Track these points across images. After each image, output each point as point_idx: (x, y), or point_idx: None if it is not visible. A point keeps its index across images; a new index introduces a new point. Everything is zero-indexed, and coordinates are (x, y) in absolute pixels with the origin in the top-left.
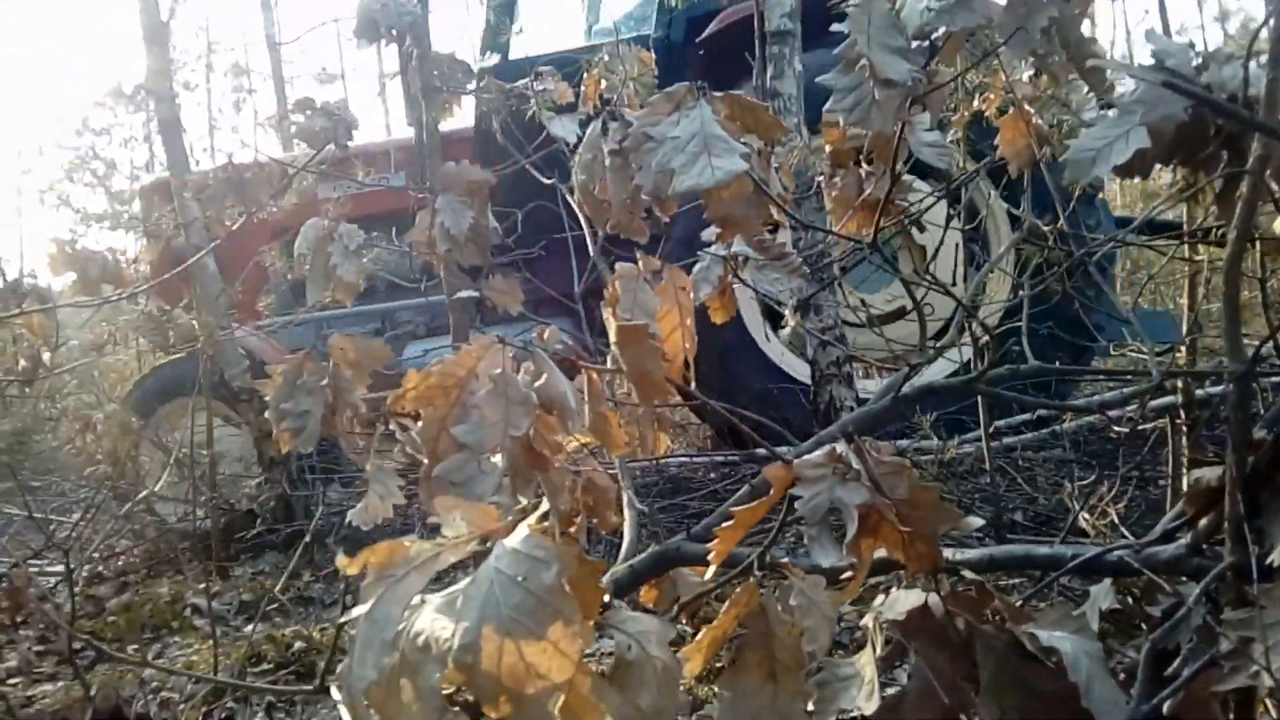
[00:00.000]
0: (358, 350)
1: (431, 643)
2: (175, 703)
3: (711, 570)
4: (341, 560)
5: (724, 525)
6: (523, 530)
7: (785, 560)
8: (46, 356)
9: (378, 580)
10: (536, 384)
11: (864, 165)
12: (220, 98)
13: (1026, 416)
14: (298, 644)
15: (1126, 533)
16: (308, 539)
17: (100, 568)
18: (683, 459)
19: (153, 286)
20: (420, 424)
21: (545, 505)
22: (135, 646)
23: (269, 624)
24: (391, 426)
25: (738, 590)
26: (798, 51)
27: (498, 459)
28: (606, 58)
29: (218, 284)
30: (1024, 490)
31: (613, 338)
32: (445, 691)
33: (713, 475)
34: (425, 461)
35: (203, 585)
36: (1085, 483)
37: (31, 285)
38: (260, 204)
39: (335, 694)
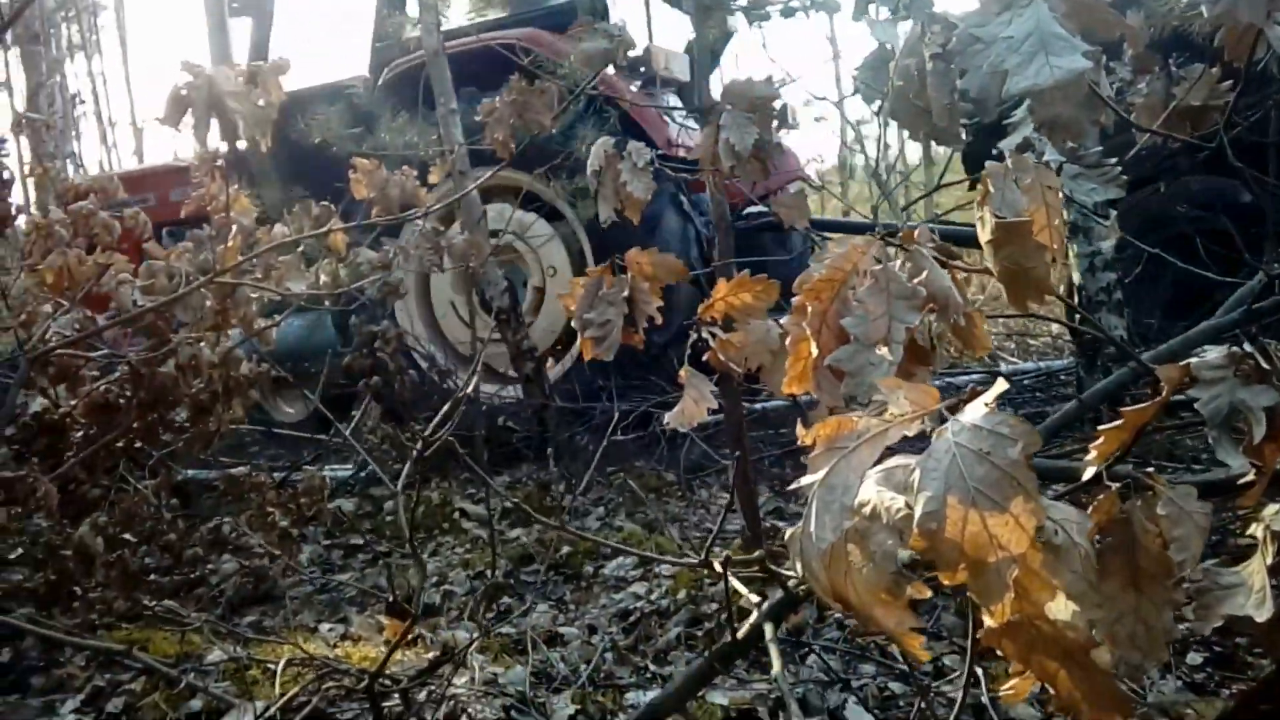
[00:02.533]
0: (654, 264)
1: (881, 511)
2: (457, 595)
3: (1089, 473)
4: (800, 430)
5: (1110, 426)
6: (980, 407)
7: (1149, 470)
8: (344, 272)
9: (826, 452)
10: (916, 280)
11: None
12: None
13: None
14: (565, 548)
15: None
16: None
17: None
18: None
19: (435, 209)
20: (807, 315)
21: (999, 385)
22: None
23: (527, 529)
24: (704, 334)
25: (1098, 499)
26: None
27: (883, 351)
28: None
29: (479, 207)
30: None
31: (984, 236)
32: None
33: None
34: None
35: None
36: None
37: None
38: (542, 126)
39: (716, 566)
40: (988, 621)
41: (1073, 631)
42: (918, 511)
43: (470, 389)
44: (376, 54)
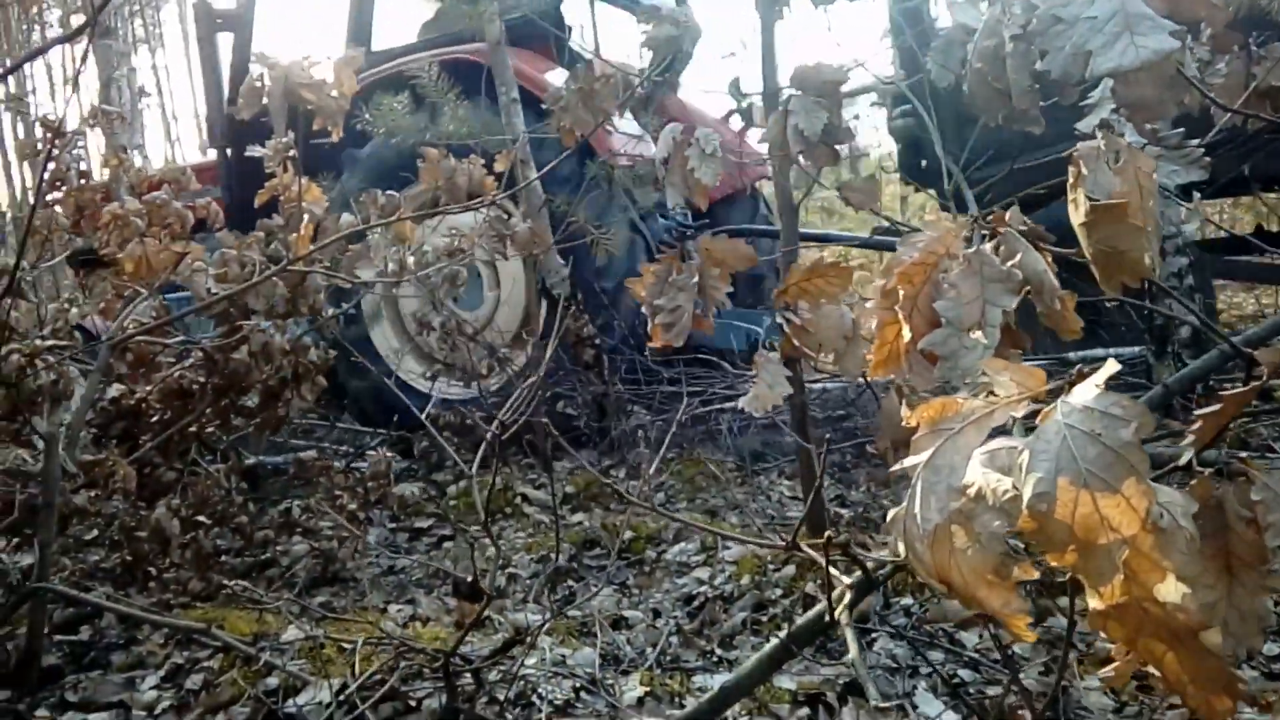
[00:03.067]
0: (724, 250)
1: (987, 493)
2: (521, 579)
3: (1186, 457)
4: (905, 412)
5: (1207, 410)
6: (1091, 389)
7: (1242, 456)
8: (410, 260)
9: (931, 434)
10: (1010, 263)
11: None
12: None
13: None
14: (628, 533)
15: None
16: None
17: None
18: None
19: (497, 197)
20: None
21: (1111, 366)
22: (476, 527)
23: (587, 513)
24: (779, 319)
25: (1190, 485)
26: None
27: (977, 335)
28: None
29: (540, 197)
30: None
31: (1078, 219)
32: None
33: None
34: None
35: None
36: None
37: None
38: (608, 114)
39: (805, 547)
40: (1093, 605)
41: (1182, 613)
42: (1027, 493)
43: (540, 374)
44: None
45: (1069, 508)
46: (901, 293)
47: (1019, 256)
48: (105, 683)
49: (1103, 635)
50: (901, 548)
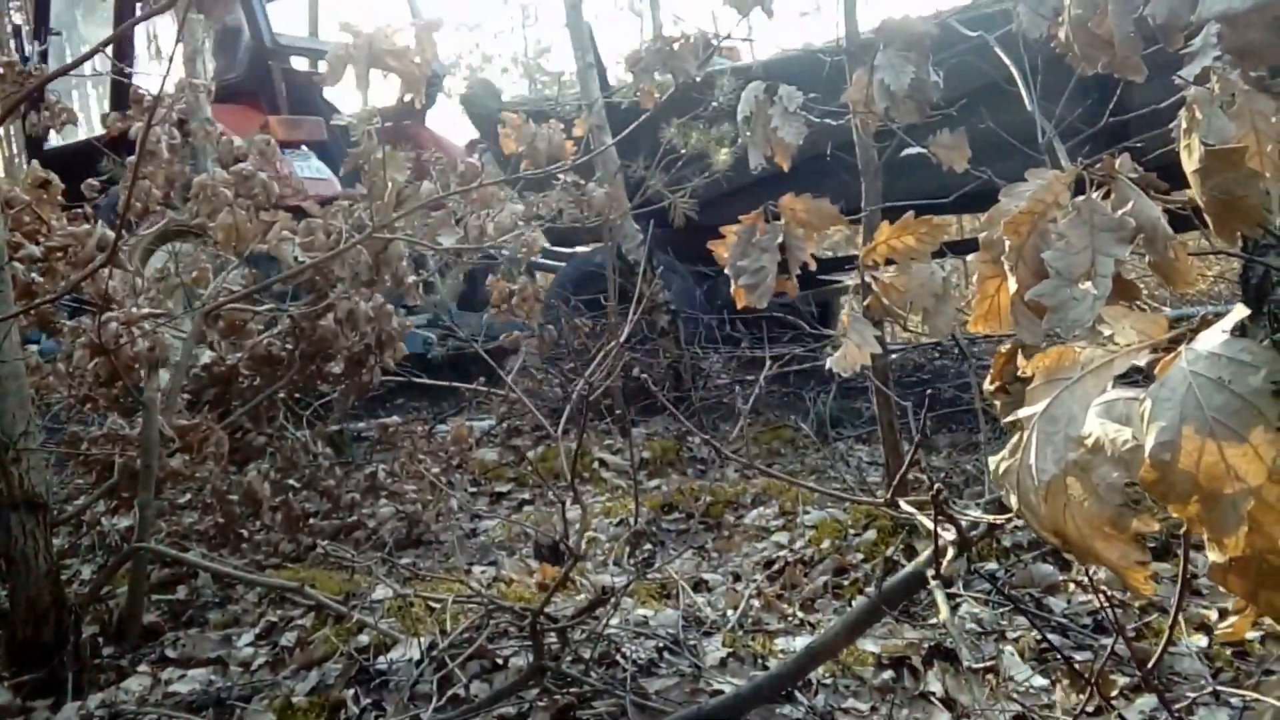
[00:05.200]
0: (808, 210)
1: (1105, 444)
2: (601, 541)
3: None
4: (1021, 361)
5: None
6: (1218, 335)
7: None
8: (490, 227)
9: (1047, 383)
10: (1121, 210)
11: None
12: None
13: None
14: (705, 498)
15: None
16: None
17: (518, 423)
18: None
19: (576, 163)
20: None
21: (1239, 311)
22: (555, 492)
23: (664, 479)
24: (866, 278)
25: None
26: None
27: (1087, 285)
28: None
29: (615, 162)
30: None
31: (1190, 165)
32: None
33: None
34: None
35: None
36: None
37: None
38: (688, 74)
39: (905, 505)
40: (1213, 558)
41: None
42: (1150, 442)
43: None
44: None
45: (1193, 457)
46: (1007, 243)
47: (1131, 204)
48: (203, 640)
49: (1221, 589)
50: (1014, 500)
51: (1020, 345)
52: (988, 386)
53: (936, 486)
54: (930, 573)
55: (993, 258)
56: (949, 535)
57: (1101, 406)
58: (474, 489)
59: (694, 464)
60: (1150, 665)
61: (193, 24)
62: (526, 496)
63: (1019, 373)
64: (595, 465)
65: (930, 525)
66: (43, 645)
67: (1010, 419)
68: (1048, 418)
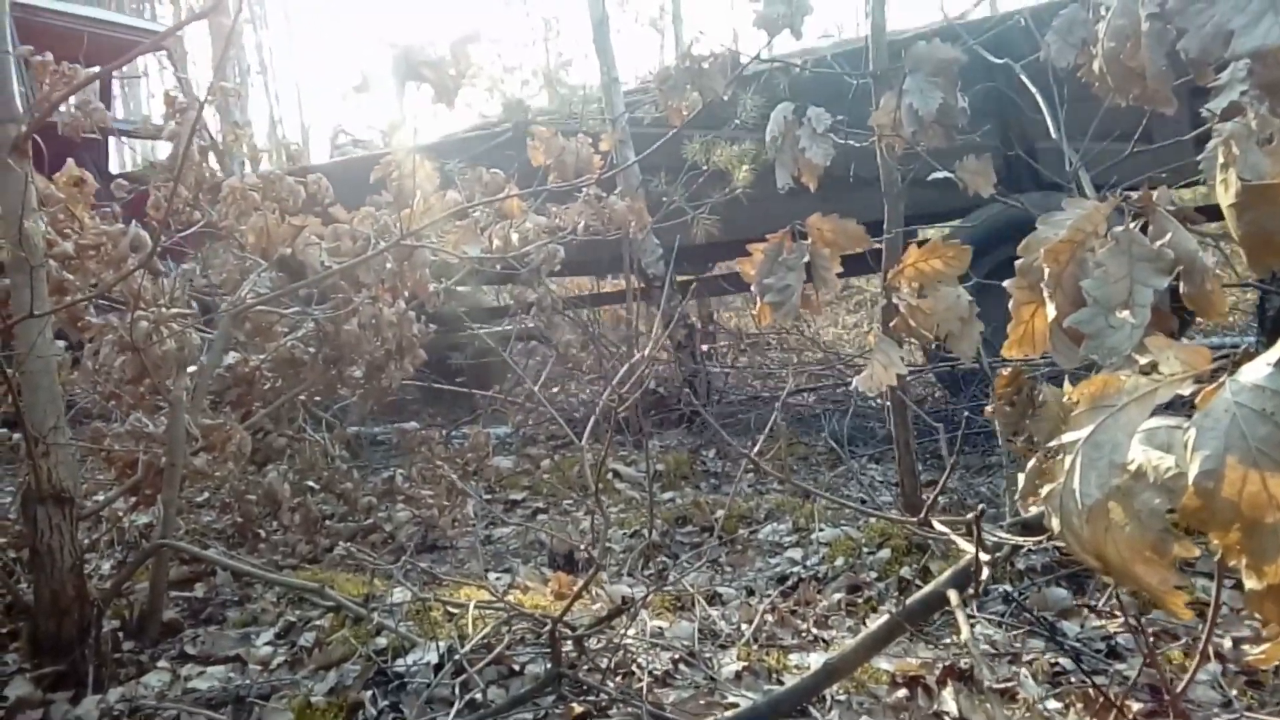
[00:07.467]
0: (835, 229)
1: (1149, 470)
2: (615, 552)
3: None
4: (1067, 389)
5: None
6: (1263, 367)
7: None
8: (515, 238)
9: (1091, 410)
10: (1159, 242)
11: None
12: None
13: None
14: (719, 511)
15: None
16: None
17: (534, 432)
18: None
19: (601, 177)
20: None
21: None
22: (569, 501)
23: (678, 491)
24: (893, 300)
25: None
26: None
27: (1124, 315)
28: None
29: (637, 176)
30: None
31: (1226, 200)
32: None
33: None
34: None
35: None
36: None
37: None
38: (716, 93)
39: (938, 525)
40: (1250, 585)
41: None
42: (1193, 470)
43: (651, 351)
44: None
45: (1236, 486)
46: (1046, 270)
47: (1169, 236)
48: (222, 637)
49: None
50: (1055, 522)
51: (1021, 369)
52: (989, 407)
53: (980, 507)
54: (952, 592)
55: (1029, 284)
56: (985, 556)
57: (1144, 434)
58: (488, 496)
59: (708, 477)
60: (1181, 689)
61: (221, 28)
62: (540, 505)
63: (1015, 395)
64: (610, 476)
65: (963, 544)
66: (64, 639)
67: (1054, 444)
68: (1092, 443)
